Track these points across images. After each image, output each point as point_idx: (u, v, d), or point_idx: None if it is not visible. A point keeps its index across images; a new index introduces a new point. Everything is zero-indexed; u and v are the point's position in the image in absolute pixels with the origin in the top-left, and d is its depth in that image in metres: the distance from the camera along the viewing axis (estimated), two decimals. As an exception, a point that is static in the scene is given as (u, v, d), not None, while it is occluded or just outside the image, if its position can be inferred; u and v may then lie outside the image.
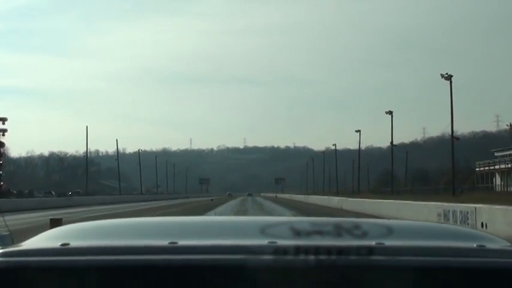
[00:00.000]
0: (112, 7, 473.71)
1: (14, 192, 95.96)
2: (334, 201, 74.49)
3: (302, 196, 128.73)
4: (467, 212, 27.33)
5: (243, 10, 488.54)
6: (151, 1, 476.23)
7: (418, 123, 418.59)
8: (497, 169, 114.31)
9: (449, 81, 75.90)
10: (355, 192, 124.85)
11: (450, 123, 75.95)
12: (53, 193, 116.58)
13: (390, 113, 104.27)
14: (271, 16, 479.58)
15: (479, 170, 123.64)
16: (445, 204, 32.69)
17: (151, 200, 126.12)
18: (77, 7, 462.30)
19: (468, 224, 26.53)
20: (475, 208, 26.70)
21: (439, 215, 31.32)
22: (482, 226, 24.94)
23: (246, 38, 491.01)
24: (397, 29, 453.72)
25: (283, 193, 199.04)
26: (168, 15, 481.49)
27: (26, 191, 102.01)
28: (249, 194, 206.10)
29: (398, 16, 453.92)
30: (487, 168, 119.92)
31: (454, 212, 29.24)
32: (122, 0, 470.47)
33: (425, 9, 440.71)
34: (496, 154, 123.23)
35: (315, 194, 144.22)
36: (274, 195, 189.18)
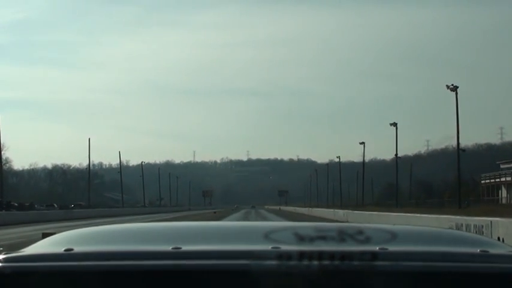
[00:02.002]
0: (114, 20, 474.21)
1: (16, 204, 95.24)
2: (340, 214, 73.65)
3: (306, 209, 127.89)
4: (482, 226, 26.22)
5: (245, 22, 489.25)
6: (153, 14, 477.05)
7: (422, 136, 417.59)
8: (503, 181, 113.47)
9: (454, 93, 75.32)
10: (360, 205, 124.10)
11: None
12: (55, 206, 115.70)
13: (395, 124, 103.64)
14: (274, 28, 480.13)
15: (485, 183, 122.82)
16: (458, 217, 31.70)
17: (153, 213, 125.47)
18: (79, 20, 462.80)
19: None
20: (491, 222, 25.59)
21: (451, 228, 30.23)
22: (498, 241, 23.86)
23: (249, 50, 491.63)
24: (401, 41, 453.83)
25: (286, 206, 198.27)
26: (170, 28, 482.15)
27: (27, 204, 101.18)
28: (253, 207, 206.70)
29: (402, 28, 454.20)
30: (493, 180, 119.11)
31: (467, 225, 28.12)
32: (123, 13, 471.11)
33: (430, 21, 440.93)
34: (501, 166, 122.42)
35: (318, 206, 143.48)
36: (277, 207, 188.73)
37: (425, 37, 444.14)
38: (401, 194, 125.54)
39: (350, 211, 71.92)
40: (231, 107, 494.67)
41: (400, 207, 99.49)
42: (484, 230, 25.84)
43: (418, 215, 43.14)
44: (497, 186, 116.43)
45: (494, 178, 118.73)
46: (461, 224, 29.06)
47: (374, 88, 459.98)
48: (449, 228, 31.38)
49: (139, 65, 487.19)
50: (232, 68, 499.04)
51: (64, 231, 2.77)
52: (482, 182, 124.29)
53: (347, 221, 64.34)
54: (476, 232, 26.41)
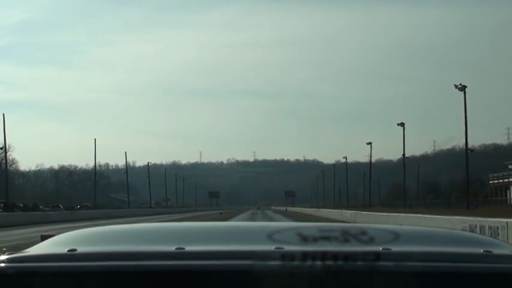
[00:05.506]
0: (119, 20, 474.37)
1: (21, 205, 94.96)
2: (347, 214, 72.95)
3: (313, 209, 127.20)
4: (498, 227, 25.44)
5: (251, 23, 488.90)
6: (158, 14, 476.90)
7: (428, 136, 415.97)
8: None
9: (462, 93, 74.74)
10: (367, 205, 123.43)
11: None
12: (61, 206, 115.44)
13: (402, 125, 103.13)
14: (280, 29, 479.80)
15: (493, 183, 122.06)
16: (471, 218, 30.80)
17: (159, 214, 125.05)
18: (84, 20, 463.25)
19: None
20: (507, 223, 24.80)
21: (464, 230, 29.33)
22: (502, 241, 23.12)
23: (256, 50, 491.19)
24: (408, 41, 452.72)
25: (293, 206, 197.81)
26: (176, 28, 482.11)
27: (30, 205, 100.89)
28: (258, 208, 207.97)
29: (410, 28, 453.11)
30: (501, 181, 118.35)
31: (482, 227, 27.26)
32: (128, 13, 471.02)
33: (437, 21, 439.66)
34: (510, 167, 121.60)
35: (325, 207, 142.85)
36: (284, 208, 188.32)
37: (433, 37, 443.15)
38: (408, 194, 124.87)
39: (358, 212, 71.21)
40: (238, 107, 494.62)
41: (408, 207, 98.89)
42: (499, 231, 25.04)
43: (429, 215, 42.35)
44: (506, 187, 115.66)
45: (503, 178, 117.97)
46: (475, 226, 28.16)
47: (381, 88, 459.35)
48: (462, 229, 30.70)
49: (145, 66, 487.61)
50: (239, 68, 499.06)
51: (64, 232, 2.69)
52: (490, 182, 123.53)
53: (354, 222, 63.70)
54: (491, 234, 25.61)
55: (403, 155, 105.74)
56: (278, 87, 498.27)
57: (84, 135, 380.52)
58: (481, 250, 2.32)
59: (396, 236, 2.43)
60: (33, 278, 2.20)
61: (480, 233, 27.13)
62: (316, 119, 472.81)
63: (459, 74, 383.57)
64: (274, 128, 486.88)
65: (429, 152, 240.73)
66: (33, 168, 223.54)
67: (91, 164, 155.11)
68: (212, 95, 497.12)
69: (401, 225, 2.79)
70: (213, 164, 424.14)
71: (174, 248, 2.26)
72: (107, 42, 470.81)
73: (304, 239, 2.32)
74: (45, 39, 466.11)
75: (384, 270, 2.15)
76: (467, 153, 75.30)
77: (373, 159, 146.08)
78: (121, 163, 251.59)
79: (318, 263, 2.12)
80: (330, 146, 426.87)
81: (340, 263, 2.12)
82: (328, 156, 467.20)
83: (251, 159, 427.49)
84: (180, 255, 2.22)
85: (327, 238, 2.33)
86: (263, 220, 79.12)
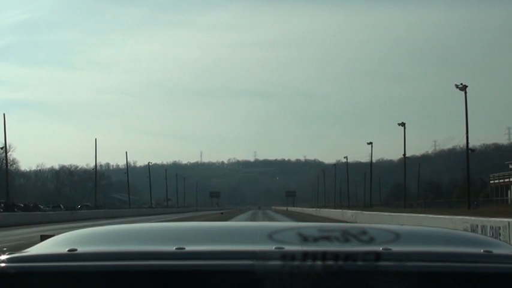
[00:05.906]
0: (120, 20, 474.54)
1: (21, 205, 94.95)
2: (348, 214, 72.84)
3: (313, 209, 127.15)
4: (499, 227, 25.36)
5: (253, 23, 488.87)
6: (159, 14, 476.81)
7: (429, 136, 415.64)
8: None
9: (463, 92, 74.72)
10: (367, 205, 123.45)
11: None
12: (62, 206, 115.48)
13: (403, 124, 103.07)
14: (281, 29, 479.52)
15: (494, 183, 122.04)
16: (473, 218, 30.67)
17: (159, 214, 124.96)
18: (85, 20, 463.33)
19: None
20: (509, 223, 24.71)
21: (465, 230, 29.28)
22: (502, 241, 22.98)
23: (257, 50, 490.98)
24: (409, 41, 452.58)
25: (293, 206, 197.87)
26: (177, 28, 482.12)
27: (31, 205, 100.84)
28: (259, 207, 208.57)
29: (410, 28, 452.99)
30: (502, 180, 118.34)
31: (483, 226, 27.15)
32: (129, 13, 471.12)
33: (438, 21, 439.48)
34: (510, 166, 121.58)
35: (326, 207, 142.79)
36: (285, 208, 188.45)
37: (433, 37, 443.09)
38: (409, 194, 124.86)
39: (359, 212, 71.05)
40: (238, 107, 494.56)
41: (409, 207, 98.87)
42: (501, 231, 24.95)
43: (431, 215, 42.25)
44: (506, 187, 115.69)
45: (503, 178, 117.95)
46: (477, 225, 28.03)
47: (381, 88, 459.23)
48: (464, 229, 30.58)
49: (145, 66, 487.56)
50: (239, 68, 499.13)
51: (64, 232, 2.68)
52: (491, 182, 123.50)
53: (355, 222, 63.52)
54: (493, 234, 25.51)
55: (404, 155, 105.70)
56: (278, 87, 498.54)
57: (84, 135, 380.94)
58: (481, 250, 2.32)
59: (397, 236, 2.43)
60: (33, 278, 2.20)
61: (481, 233, 27.07)
62: (317, 119, 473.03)
63: (460, 74, 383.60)
64: (275, 128, 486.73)
65: (430, 152, 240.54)
66: (33, 168, 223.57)
67: (92, 164, 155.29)
68: (212, 95, 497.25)
69: (401, 225, 2.77)
70: (214, 164, 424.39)
71: (174, 248, 2.25)
72: (107, 42, 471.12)
73: (305, 239, 2.32)
74: (46, 39, 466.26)
75: (385, 270, 2.15)
76: (468, 153, 75.22)
77: (374, 159, 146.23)
78: (122, 163, 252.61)
79: (319, 263, 2.12)
80: (331, 146, 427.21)
81: (340, 263, 2.13)
82: (328, 156, 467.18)
83: (252, 159, 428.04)
84: (180, 255, 2.22)
85: (327, 238, 2.33)
86: (264, 220, 79.05)
